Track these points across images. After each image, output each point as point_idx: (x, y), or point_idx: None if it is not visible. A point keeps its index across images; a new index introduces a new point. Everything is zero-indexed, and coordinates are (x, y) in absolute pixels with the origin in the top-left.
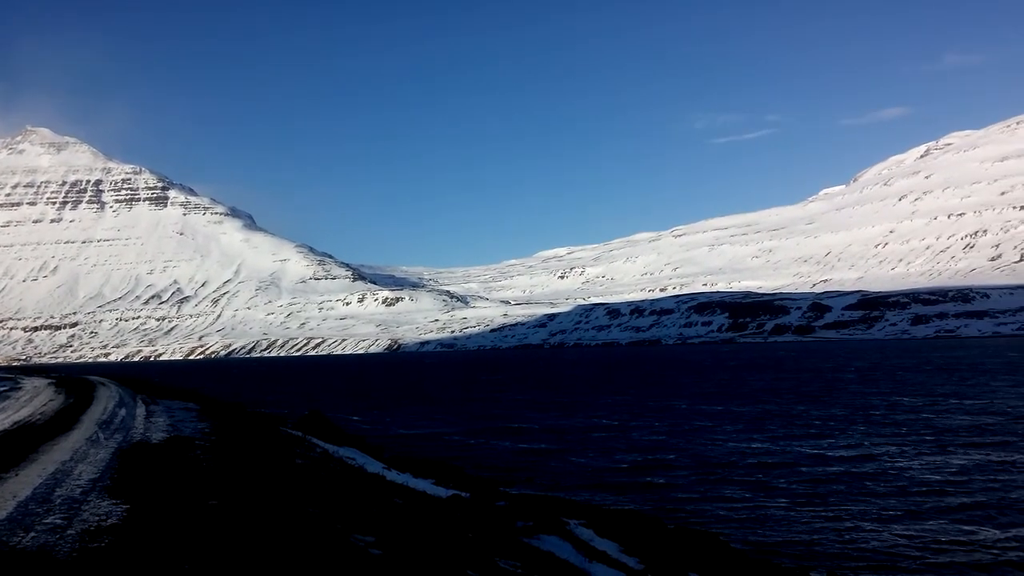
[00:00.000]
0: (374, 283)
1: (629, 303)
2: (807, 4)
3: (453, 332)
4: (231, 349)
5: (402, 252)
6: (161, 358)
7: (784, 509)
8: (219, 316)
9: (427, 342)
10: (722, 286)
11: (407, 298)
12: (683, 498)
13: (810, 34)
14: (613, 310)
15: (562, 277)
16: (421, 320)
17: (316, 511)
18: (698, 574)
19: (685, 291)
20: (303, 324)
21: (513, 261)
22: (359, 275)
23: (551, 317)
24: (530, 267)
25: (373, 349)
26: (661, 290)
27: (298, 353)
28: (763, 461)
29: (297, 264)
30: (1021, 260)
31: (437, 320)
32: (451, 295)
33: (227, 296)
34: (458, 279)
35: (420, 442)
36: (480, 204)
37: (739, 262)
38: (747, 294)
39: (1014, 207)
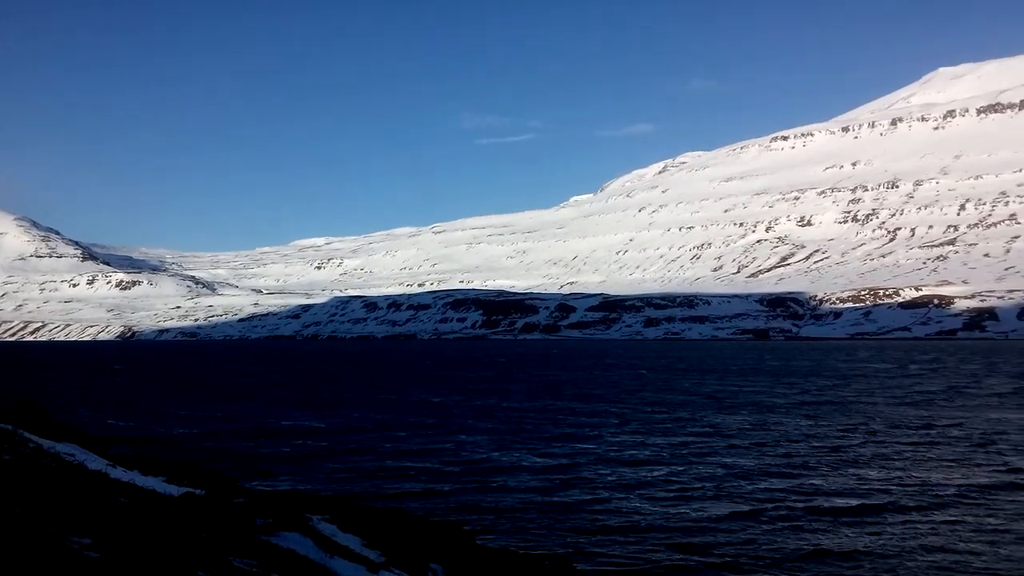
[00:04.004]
0: (108, 264)
1: (387, 297)
2: (573, 17)
3: (197, 320)
4: None
5: (142, 232)
6: None
7: (524, 502)
8: None
9: (167, 330)
10: (478, 284)
11: (145, 282)
12: (433, 493)
13: (576, 46)
14: (370, 303)
15: (319, 268)
16: (160, 306)
17: (24, 512)
18: (440, 564)
19: (443, 287)
20: (20, 306)
21: (267, 249)
22: (90, 255)
23: (306, 308)
24: (285, 256)
25: (103, 336)
26: (419, 285)
27: (12, 338)
28: (518, 463)
29: (16, 239)
30: (739, 272)
31: (179, 307)
32: (197, 281)
33: None
34: (206, 264)
35: (157, 440)
36: (234, 187)
37: (495, 261)
38: (501, 292)
39: (735, 224)
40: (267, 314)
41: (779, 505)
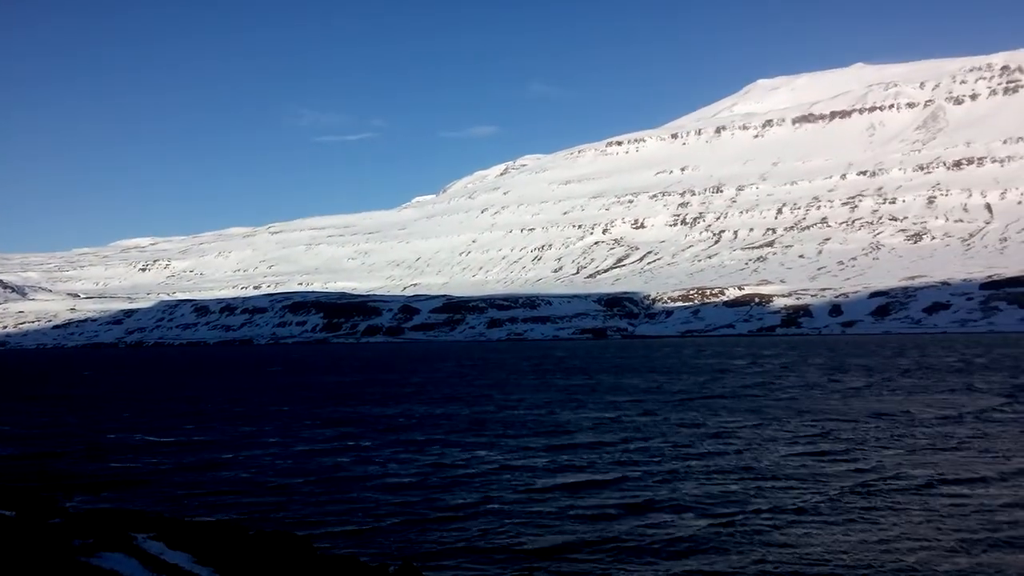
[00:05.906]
0: None
1: (220, 300)
2: (416, 18)
3: (6, 327)
4: None
5: None
6: None
7: (374, 514)
8: None
9: None
10: (318, 286)
11: None
12: (276, 508)
13: (418, 47)
14: (201, 307)
15: (144, 270)
16: None
17: None
18: None
19: (280, 290)
20: None
21: (85, 250)
22: None
23: (129, 313)
24: (106, 257)
25: None
26: (255, 288)
27: None
28: (370, 473)
29: None
30: (578, 272)
31: None
32: (5, 285)
33: None
34: (15, 267)
35: None
36: (47, 184)
37: (336, 263)
38: (342, 295)
39: (573, 226)
40: (85, 320)
41: (640, 517)
